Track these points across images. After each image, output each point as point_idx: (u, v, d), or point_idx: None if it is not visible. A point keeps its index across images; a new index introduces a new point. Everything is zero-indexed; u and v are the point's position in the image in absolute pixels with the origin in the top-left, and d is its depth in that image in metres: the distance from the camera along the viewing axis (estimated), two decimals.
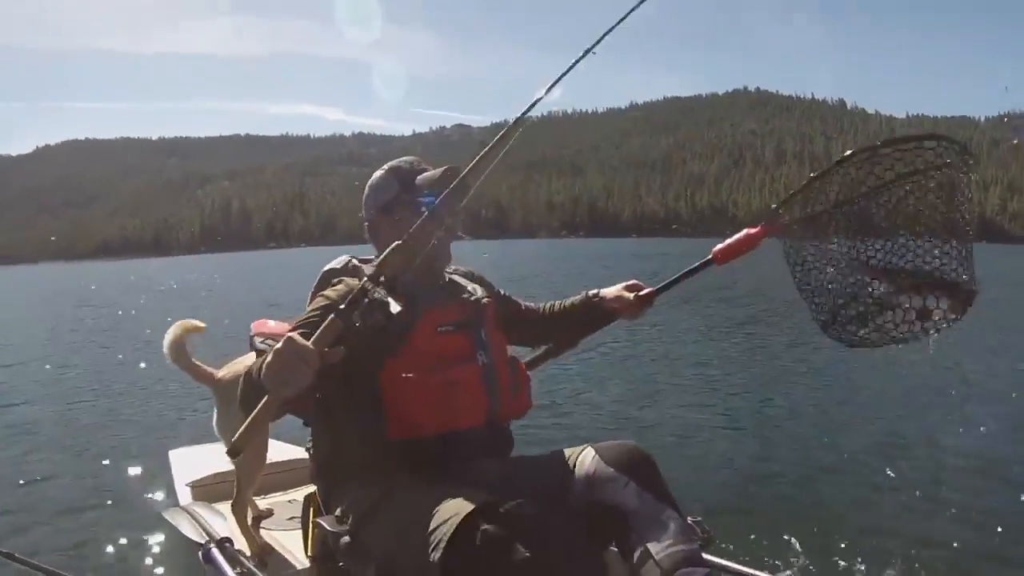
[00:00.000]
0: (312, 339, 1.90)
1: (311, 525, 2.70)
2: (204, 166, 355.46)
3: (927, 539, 4.59)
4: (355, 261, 2.64)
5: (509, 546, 1.85)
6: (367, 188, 2.62)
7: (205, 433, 3.72)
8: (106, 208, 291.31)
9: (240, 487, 3.47)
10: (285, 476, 4.16)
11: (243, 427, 1.92)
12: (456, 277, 2.70)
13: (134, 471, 6.29)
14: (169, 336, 3.69)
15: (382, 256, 2.14)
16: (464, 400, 2.32)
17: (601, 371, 10.10)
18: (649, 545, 2.09)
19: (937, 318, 2.21)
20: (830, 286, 2.33)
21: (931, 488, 5.43)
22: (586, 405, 8.26)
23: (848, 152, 2.26)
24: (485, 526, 1.87)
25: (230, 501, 3.50)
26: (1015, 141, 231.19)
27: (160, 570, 4.39)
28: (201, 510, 3.41)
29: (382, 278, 2.07)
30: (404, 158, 2.56)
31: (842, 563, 4.30)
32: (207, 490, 4.01)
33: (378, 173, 2.61)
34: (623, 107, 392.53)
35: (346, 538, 2.27)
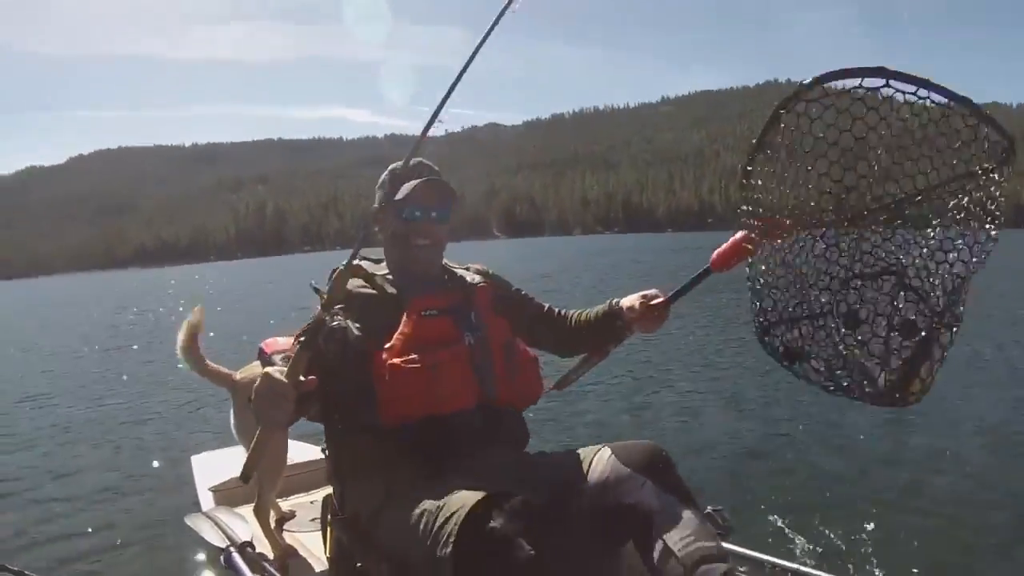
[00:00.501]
0: (285, 373, 2.00)
1: (329, 526, 2.67)
2: (237, 171, 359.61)
3: (945, 521, 4.53)
4: (359, 260, 2.63)
5: (518, 537, 1.84)
6: (377, 185, 2.68)
7: (228, 437, 3.68)
8: (140, 216, 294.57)
9: (262, 490, 3.44)
10: (307, 477, 4.12)
11: (248, 455, 2.05)
12: (458, 271, 2.72)
13: (157, 476, 6.32)
14: (180, 338, 3.66)
15: (331, 283, 2.20)
16: (449, 382, 2.31)
17: (619, 363, 9.99)
18: (670, 543, 2.03)
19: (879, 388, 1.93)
20: (795, 291, 2.06)
21: (947, 471, 5.38)
22: (602, 398, 8.19)
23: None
24: (493, 519, 1.87)
25: (252, 505, 3.47)
26: None
27: (183, 575, 4.37)
28: (223, 515, 3.38)
29: (336, 305, 2.13)
30: (414, 160, 2.57)
31: (858, 548, 4.23)
32: (229, 494, 3.97)
33: (384, 174, 2.67)
34: (654, 101, 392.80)
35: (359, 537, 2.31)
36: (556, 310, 2.90)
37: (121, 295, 42.21)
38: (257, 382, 1.99)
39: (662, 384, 8.78)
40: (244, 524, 3.22)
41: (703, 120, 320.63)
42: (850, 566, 3.97)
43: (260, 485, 3.42)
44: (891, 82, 1.77)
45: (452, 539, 1.89)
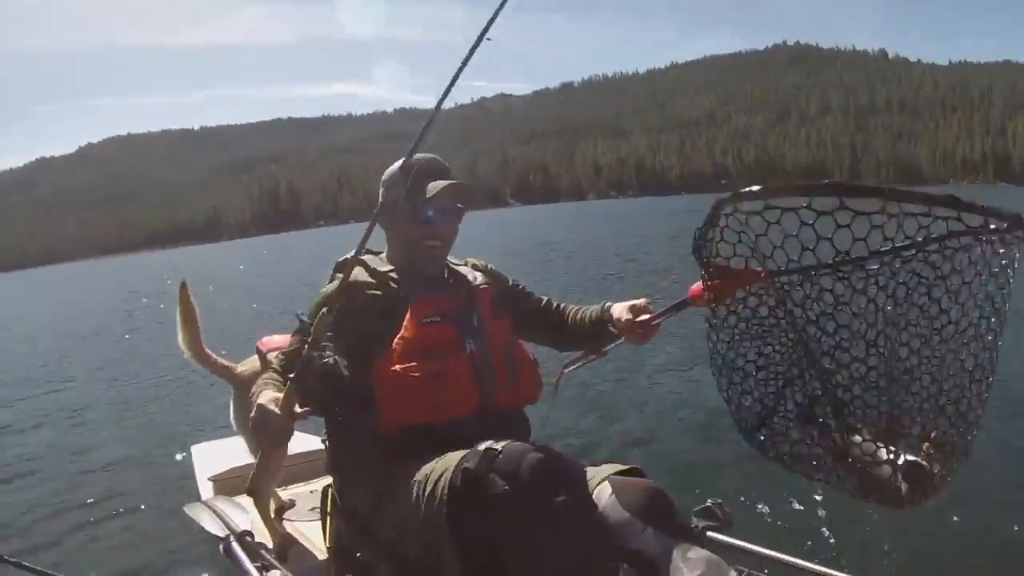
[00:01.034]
0: (280, 404, 2.10)
1: (328, 517, 2.69)
2: (248, 152, 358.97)
3: (944, 515, 4.42)
4: (362, 254, 2.65)
5: (509, 480, 1.90)
6: (383, 176, 2.64)
7: (228, 427, 3.71)
8: (152, 201, 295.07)
9: (263, 479, 3.45)
10: (307, 467, 4.15)
11: (254, 473, 2.29)
12: (460, 268, 2.71)
13: (157, 466, 6.35)
14: (181, 334, 3.69)
15: (315, 321, 2.18)
16: (450, 390, 2.32)
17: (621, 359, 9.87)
18: None
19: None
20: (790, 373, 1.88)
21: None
22: (598, 388, 7.94)
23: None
24: (483, 470, 1.93)
25: None
26: None
27: (182, 565, 4.40)
28: (222, 504, 3.41)
29: (323, 343, 2.16)
30: (420, 156, 2.52)
31: (861, 542, 4.20)
32: (229, 484, 4.01)
33: (393, 167, 2.62)
34: (663, 67, 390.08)
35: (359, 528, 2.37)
36: (554, 304, 2.90)
37: (131, 280, 42.19)
38: (253, 413, 2.10)
39: (661, 372, 8.64)
40: (244, 513, 3.24)
41: (713, 84, 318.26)
42: (856, 563, 3.93)
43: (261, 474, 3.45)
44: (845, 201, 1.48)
45: (444, 494, 1.95)
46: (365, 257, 2.58)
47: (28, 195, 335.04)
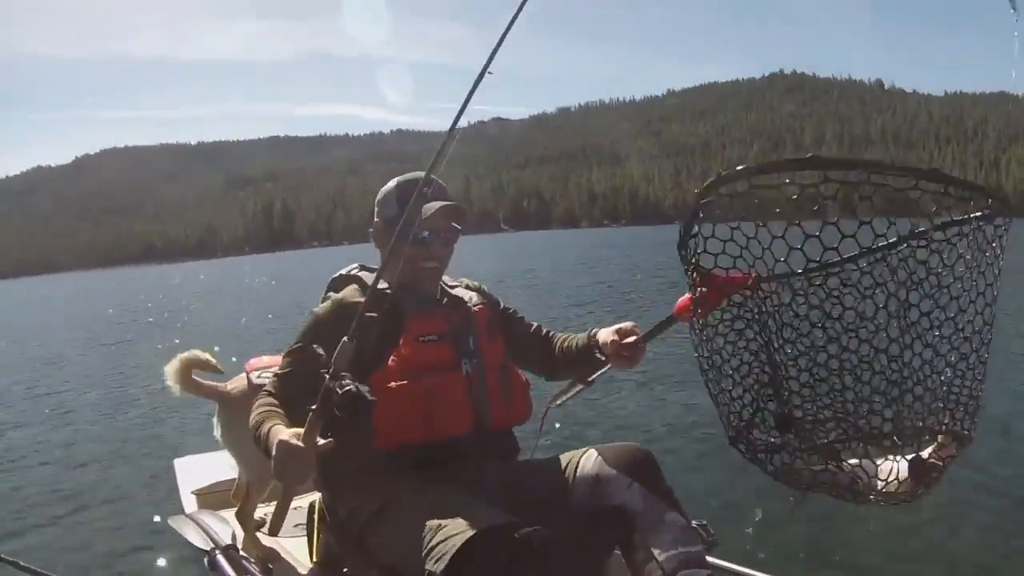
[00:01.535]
0: (302, 438, 2.01)
1: (316, 531, 2.72)
2: (244, 169, 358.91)
3: (935, 533, 4.51)
4: (357, 270, 2.72)
5: (511, 570, 1.91)
6: (378, 196, 2.68)
7: (210, 442, 3.70)
8: (147, 214, 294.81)
9: (250, 494, 3.48)
10: None
11: (274, 513, 2.17)
12: (456, 291, 2.72)
13: (139, 479, 6.34)
14: (174, 368, 3.63)
15: (336, 352, 2.08)
16: (446, 410, 2.35)
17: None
18: (652, 547, 2.09)
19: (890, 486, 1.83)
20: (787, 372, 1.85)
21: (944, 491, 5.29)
22: (593, 409, 7.99)
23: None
24: (489, 549, 1.92)
25: (235, 508, 3.53)
26: None
27: None
28: (206, 517, 3.46)
29: (342, 372, 2.06)
30: (415, 175, 2.54)
31: (844, 565, 4.23)
32: (212, 498, 4.04)
33: (389, 185, 2.66)
34: (660, 95, 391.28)
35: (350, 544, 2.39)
36: (544, 331, 2.91)
37: (122, 293, 42.31)
38: (274, 451, 2.02)
39: (650, 392, 8.64)
40: (227, 527, 3.27)
41: (710, 112, 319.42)
42: None
43: (248, 488, 3.46)
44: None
45: (447, 558, 1.93)
46: (361, 274, 2.63)
47: (23, 204, 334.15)
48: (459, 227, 2.61)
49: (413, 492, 2.24)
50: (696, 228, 1.79)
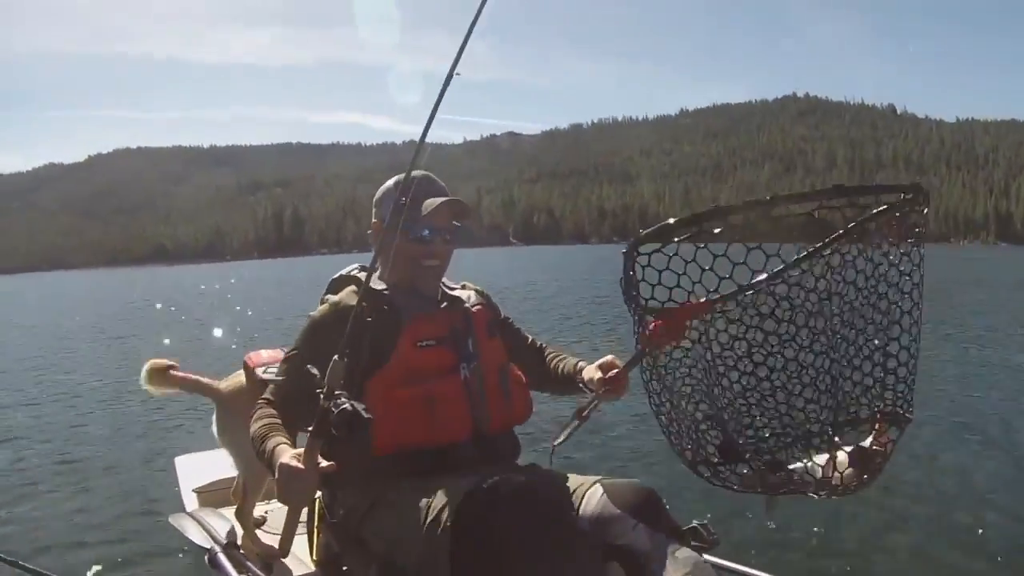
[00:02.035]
0: (303, 459, 1.99)
1: (316, 530, 2.71)
2: (256, 174, 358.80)
3: (937, 534, 4.58)
4: (357, 271, 2.71)
5: (512, 518, 1.95)
6: (376, 195, 2.66)
7: (211, 440, 3.72)
8: (158, 215, 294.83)
9: (247, 492, 3.48)
10: None
11: (283, 533, 2.19)
12: (456, 292, 2.70)
13: (140, 477, 6.36)
14: (143, 376, 3.68)
15: (328, 374, 2.04)
16: (444, 415, 2.35)
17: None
18: None
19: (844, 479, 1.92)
20: (726, 402, 1.99)
21: (942, 492, 5.39)
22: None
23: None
24: (489, 503, 1.98)
25: (235, 506, 3.53)
26: None
27: (166, 575, 4.42)
28: (207, 515, 3.46)
29: (336, 392, 2.03)
30: (415, 173, 2.46)
31: (844, 564, 4.24)
32: (213, 496, 4.04)
33: (387, 184, 2.64)
34: (673, 114, 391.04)
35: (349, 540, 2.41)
36: (539, 344, 2.92)
37: (130, 293, 42.25)
38: (276, 474, 2.02)
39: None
40: (228, 525, 3.27)
41: (722, 133, 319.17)
42: None
43: (246, 487, 3.47)
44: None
45: (450, 519, 1.97)
46: (360, 275, 2.62)
47: (34, 199, 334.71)
48: (460, 224, 2.60)
49: (405, 486, 2.26)
50: (637, 275, 1.91)
